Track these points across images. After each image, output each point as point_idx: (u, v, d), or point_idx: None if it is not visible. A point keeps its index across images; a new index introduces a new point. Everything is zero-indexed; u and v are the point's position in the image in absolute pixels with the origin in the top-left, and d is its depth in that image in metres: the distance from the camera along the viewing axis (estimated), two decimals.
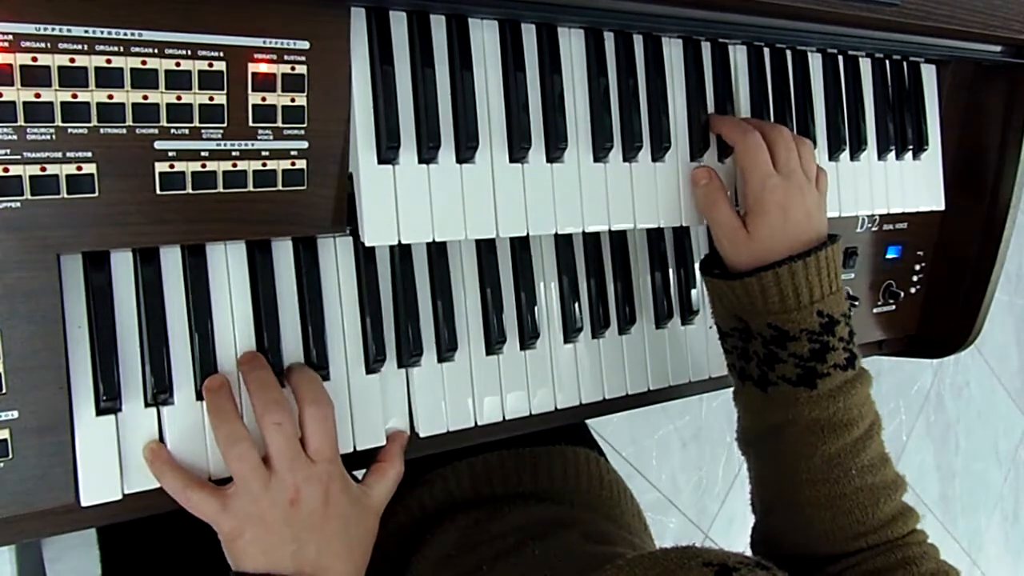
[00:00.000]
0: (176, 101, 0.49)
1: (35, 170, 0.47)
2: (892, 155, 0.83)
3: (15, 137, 0.46)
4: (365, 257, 0.60)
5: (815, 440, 0.62)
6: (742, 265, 0.65)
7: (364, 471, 0.62)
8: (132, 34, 0.47)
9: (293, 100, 0.53)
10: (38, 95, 0.46)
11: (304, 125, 0.54)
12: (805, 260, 0.62)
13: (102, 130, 0.48)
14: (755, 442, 0.67)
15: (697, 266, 0.76)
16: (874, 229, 0.88)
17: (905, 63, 0.84)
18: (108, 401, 0.51)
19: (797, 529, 0.64)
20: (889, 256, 0.90)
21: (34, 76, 0.45)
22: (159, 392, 0.53)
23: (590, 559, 0.62)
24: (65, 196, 0.48)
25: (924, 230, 0.92)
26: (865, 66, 0.81)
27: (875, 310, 0.91)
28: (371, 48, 0.56)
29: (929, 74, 0.86)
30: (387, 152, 0.56)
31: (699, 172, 0.69)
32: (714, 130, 0.70)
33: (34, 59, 0.45)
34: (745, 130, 0.67)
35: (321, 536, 0.54)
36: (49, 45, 0.46)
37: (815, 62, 0.77)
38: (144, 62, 0.48)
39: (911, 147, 0.84)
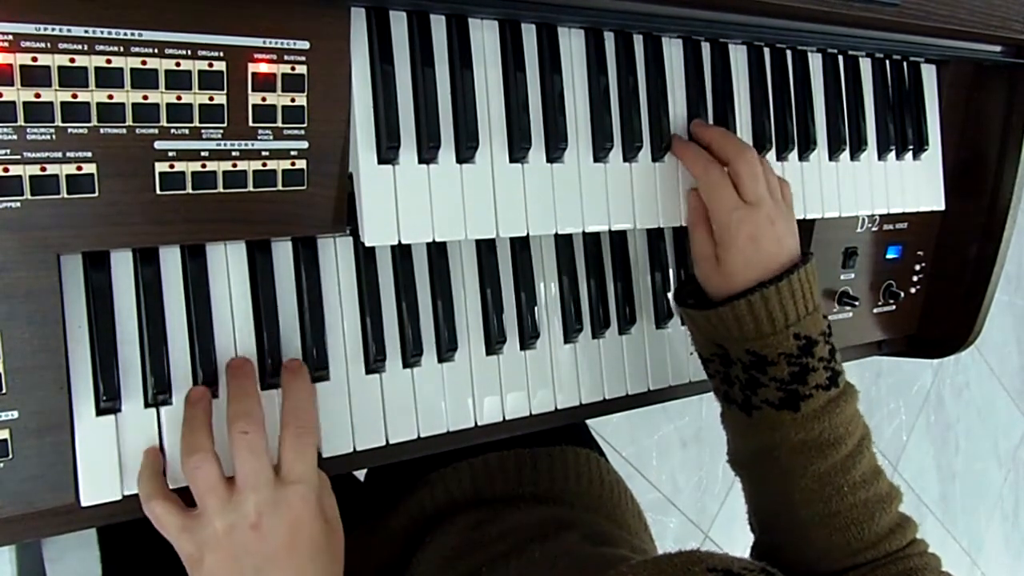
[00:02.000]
0: (176, 101, 0.49)
1: (35, 170, 0.47)
2: (892, 155, 0.83)
3: (15, 137, 0.46)
4: (365, 257, 0.60)
5: (804, 461, 0.61)
6: (716, 292, 0.64)
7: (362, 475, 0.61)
8: (132, 34, 0.47)
9: (293, 100, 0.53)
10: (38, 95, 0.46)
11: (304, 125, 0.54)
12: (777, 285, 0.61)
13: (102, 130, 0.48)
14: (746, 464, 0.67)
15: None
16: (874, 229, 0.88)
17: (905, 63, 0.84)
18: (108, 401, 0.51)
19: (795, 547, 0.64)
20: (889, 256, 0.90)
21: (34, 76, 0.45)
22: (159, 392, 0.53)
23: (591, 562, 0.62)
24: (65, 196, 0.48)
25: (924, 230, 0.92)
26: (865, 66, 0.81)
27: (875, 310, 0.91)
28: (371, 48, 0.56)
29: (929, 74, 0.86)
30: (387, 152, 0.56)
31: (692, 195, 0.68)
32: (675, 155, 0.69)
33: (34, 59, 0.45)
34: (707, 164, 0.66)
35: (287, 566, 0.50)
36: (49, 45, 0.46)
37: (815, 62, 0.77)
38: (144, 62, 0.48)
39: (911, 147, 0.84)
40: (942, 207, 0.87)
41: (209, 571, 0.50)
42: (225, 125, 0.51)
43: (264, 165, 0.53)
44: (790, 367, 0.61)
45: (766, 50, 0.74)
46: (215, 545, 0.49)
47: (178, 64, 0.49)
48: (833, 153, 0.78)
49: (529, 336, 0.66)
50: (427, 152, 0.58)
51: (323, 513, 0.53)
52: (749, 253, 0.63)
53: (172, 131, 0.50)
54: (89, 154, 0.48)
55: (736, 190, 0.65)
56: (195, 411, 0.52)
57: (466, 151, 0.59)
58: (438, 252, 0.63)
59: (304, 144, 0.54)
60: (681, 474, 2.08)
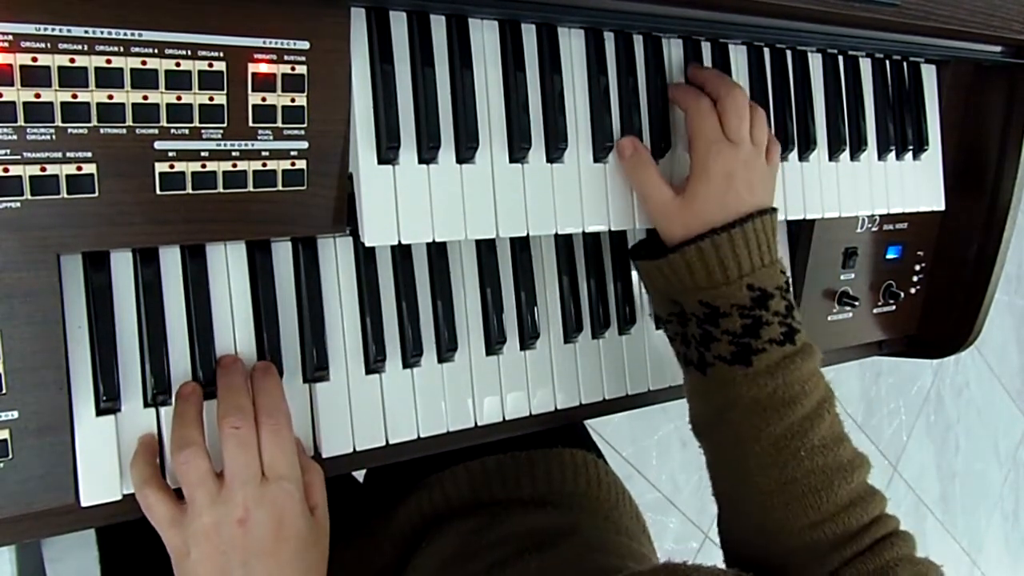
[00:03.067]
0: (176, 101, 0.49)
1: (35, 170, 0.47)
2: (892, 155, 0.83)
3: (15, 137, 0.46)
4: (365, 257, 0.60)
5: (758, 421, 0.59)
6: (675, 240, 0.63)
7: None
8: (132, 34, 0.47)
9: (293, 100, 0.53)
10: (38, 95, 0.46)
11: (304, 125, 0.54)
12: (730, 232, 0.59)
13: (102, 130, 0.48)
14: (705, 431, 0.65)
15: None
16: (874, 229, 0.88)
17: (905, 63, 0.84)
18: (108, 401, 0.51)
19: (754, 522, 0.61)
20: (889, 256, 0.90)
21: (34, 76, 0.45)
22: (159, 392, 0.53)
23: (586, 574, 0.62)
24: (65, 196, 0.48)
25: (924, 230, 0.92)
26: (865, 66, 0.81)
27: (875, 310, 0.91)
28: (371, 48, 0.56)
29: (929, 74, 0.86)
30: (387, 152, 0.56)
31: (624, 142, 0.65)
32: (671, 98, 0.68)
33: (34, 59, 0.45)
34: (698, 96, 0.65)
35: (273, 562, 0.50)
36: (49, 45, 0.46)
37: (815, 62, 0.77)
38: (144, 62, 0.48)
39: (911, 147, 0.84)
40: (942, 207, 0.87)
41: (195, 565, 0.50)
42: (225, 125, 0.51)
43: (264, 165, 0.53)
44: (742, 319, 0.59)
45: (766, 50, 0.74)
46: (202, 539, 0.49)
47: (178, 64, 0.49)
48: (833, 153, 0.78)
49: (529, 336, 0.67)
50: (427, 152, 0.58)
51: (313, 506, 0.54)
52: (720, 190, 0.62)
53: (172, 131, 0.50)
54: (89, 154, 0.48)
55: (721, 127, 0.64)
56: (186, 406, 0.52)
57: (466, 151, 0.59)
58: (438, 252, 0.63)
59: (304, 144, 0.54)
60: (681, 474, 2.08)
